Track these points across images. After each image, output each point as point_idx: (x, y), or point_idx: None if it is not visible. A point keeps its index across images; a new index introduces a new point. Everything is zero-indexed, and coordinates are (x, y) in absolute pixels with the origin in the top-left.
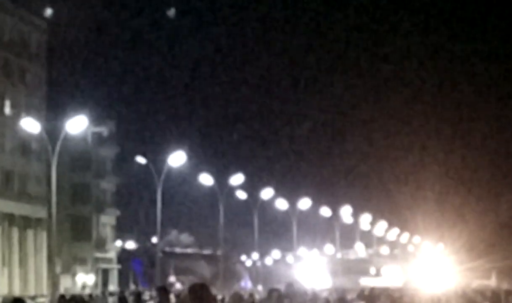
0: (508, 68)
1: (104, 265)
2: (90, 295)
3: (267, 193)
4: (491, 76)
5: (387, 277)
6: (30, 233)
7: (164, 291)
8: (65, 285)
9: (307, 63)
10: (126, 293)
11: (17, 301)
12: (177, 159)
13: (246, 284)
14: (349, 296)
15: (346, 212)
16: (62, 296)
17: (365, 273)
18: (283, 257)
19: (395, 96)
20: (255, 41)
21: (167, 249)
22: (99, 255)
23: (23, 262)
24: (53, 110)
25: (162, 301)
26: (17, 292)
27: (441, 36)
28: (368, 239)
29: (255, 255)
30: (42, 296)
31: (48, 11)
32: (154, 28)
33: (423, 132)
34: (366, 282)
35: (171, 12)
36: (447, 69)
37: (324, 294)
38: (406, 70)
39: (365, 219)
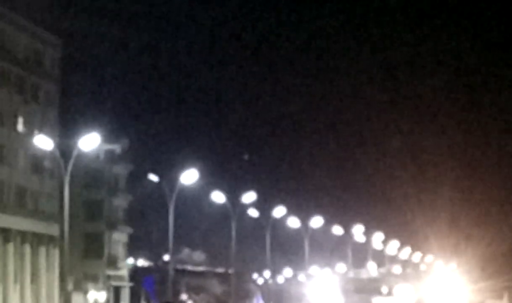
0: None
1: (116, 283)
2: None
3: (279, 211)
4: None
5: (399, 296)
6: (42, 250)
7: None
8: (77, 302)
9: (319, 78)
10: None
11: None
12: (189, 176)
13: (258, 302)
14: None
15: (358, 231)
16: None
17: (377, 292)
18: (295, 275)
19: (407, 115)
20: (269, 56)
21: (179, 266)
22: (111, 272)
23: (35, 279)
24: (66, 128)
25: None
26: None
27: (461, 41)
28: (380, 258)
29: (267, 273)
30: None
31: (62, 29)
32: (168, 44)
33: (435, 152)
34: (378, 301)
35: None
36: (464, 84)
37: None
38: (419, 87)
39: (377, 238)
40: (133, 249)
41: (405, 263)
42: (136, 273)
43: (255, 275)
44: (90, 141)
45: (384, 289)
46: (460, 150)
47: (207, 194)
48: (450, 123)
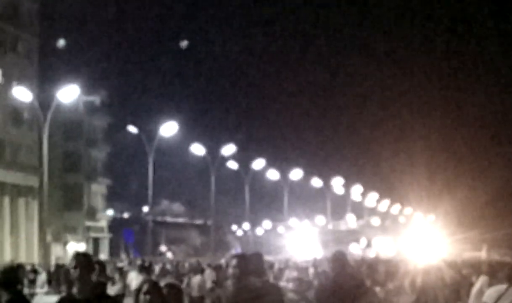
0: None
1: (95, 234)
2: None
3: (258, 164)
4: (485, 50)
5: (378, 247)
6: (21, 202)
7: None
8: (56, 253)
9: (300, 36)
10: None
11: (18, 267)
12: (169, 128)
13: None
14: None
15: (337, 183)
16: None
17: (356, 243)
18: (274, 227)
19: (387, 70)
20: (251, 20)
21: (158, 218)
22: (90, 224)
23: (14, 230)
24: (45, 79)
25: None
26: (8, 260)
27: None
28: (359, 210)
29: (246, 225)
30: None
31: None
32: None
33: (414, 103)
34: (357, 250)
35: None
36: (438, 43)
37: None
38: (398, 47)
39: (356, 190)
40: (112, 200)
41: (384, 215)
42: (115, 224)
43: (234, 227)
44: (69, 93)
45: (363, 240)
46: (438, 102)
47: (186, 146)
48: (428, 78)
